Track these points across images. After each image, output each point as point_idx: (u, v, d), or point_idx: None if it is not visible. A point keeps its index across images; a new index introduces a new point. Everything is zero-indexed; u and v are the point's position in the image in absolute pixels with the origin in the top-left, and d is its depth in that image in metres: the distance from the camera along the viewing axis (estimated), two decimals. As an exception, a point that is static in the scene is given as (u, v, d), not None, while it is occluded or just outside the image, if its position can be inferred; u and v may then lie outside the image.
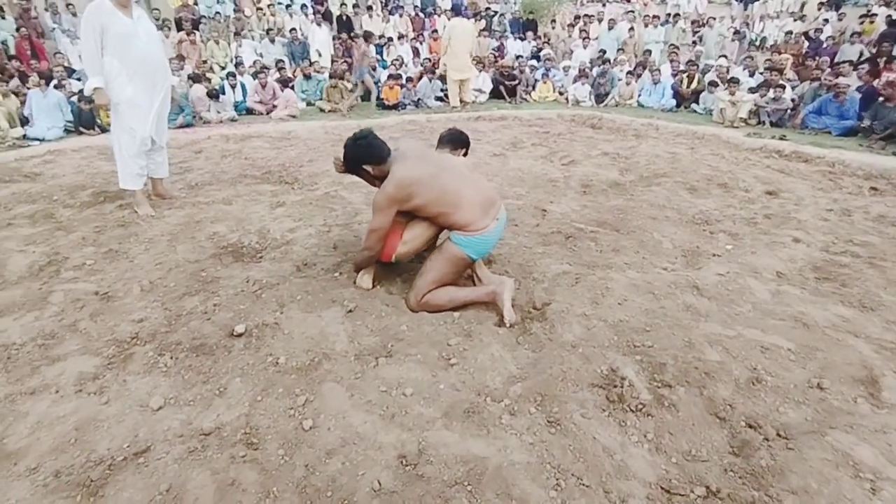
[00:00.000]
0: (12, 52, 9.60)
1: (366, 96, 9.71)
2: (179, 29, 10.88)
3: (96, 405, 1.93)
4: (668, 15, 12.70)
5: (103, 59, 3.52)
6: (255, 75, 8.72)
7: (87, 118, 7.05)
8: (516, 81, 9.82)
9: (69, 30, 10.91)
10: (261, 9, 11.77)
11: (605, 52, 10.42)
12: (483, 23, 12.97)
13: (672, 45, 11.10)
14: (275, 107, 8.49)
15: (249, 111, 8.63)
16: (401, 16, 12.70)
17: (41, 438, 1.77)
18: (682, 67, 9.62)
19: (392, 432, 1.77)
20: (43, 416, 1.88)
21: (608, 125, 7.13)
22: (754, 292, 2.73)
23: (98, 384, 2.05)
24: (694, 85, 9.16)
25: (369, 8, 12.60)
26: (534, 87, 10.11)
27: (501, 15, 13.53)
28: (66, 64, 8.94)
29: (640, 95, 9.39)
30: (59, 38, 10.89)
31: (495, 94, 9.98)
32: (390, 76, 9.12)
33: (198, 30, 10.94)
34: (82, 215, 3.84)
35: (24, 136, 6.43)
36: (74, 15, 11.23)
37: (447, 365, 2.14)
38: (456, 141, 3.11)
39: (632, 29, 11.77)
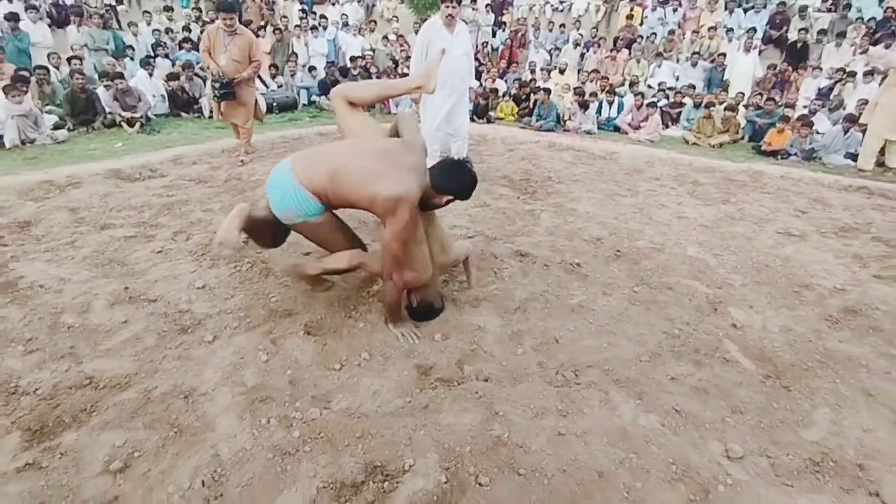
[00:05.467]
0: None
1: (757, 136, 8.15)
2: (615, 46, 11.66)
3: (56, 280, 2.80)
4: None
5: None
6: (636, 95, 8.70)
7: (482, 109, 8.91)
8: None
9: (542, 43, 13.38)
10: (697, 31, 11.21)
11: None
12: None
13: None
14: (639, 128, 8.34)
15: (616, 129, 8.76)
16: (887, 46, 9.60)
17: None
18: None
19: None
20: (40, 265, 2.99)
21: None
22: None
23: (85, 263, 3.00)
24: None
25: (840, 35, 10.01)
26: None
27: None
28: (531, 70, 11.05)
29: None
30: (532, 49, 13.44)
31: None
32: (781, 118, 7.32)
33: (629, 48, 11.49)
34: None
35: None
36: (550, 31, 13.65)
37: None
38: None
39: None
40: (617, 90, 9.37)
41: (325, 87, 9.37)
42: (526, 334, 2.53)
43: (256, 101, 5.62)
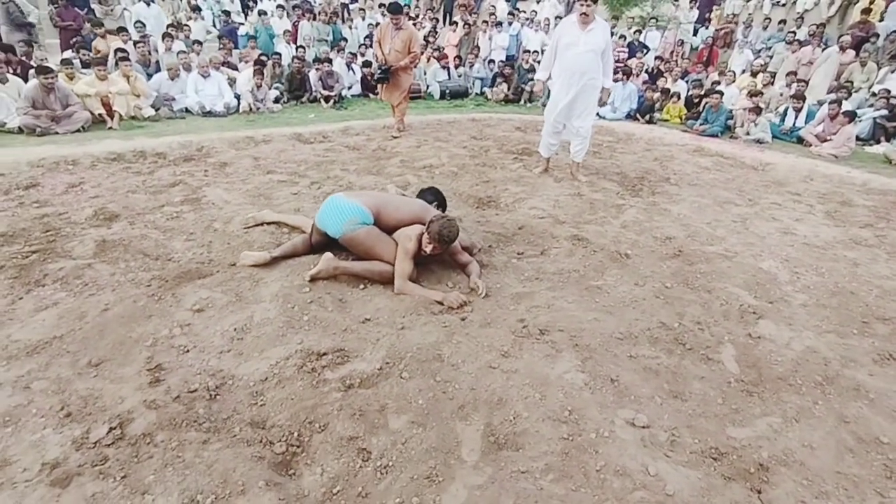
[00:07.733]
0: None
1: None
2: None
3: (223, 201, 3.94)
4: None
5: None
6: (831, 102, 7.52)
7: (646, 108, 8.68)
8: None
9: (749, 42, 12.09)
10: (958, 29, 8.91)
11: None
12: None
13: None
14: (826, 140, 7.24)
15: (800, 139, 7.72)
16: None
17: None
18: None
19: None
20: (219, 191, 4.08)
21: None
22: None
23: (245, 194, 4.03)
24: None
25: None
26: None
27: None
28: (726, 69, 10.28)
29: None
30: (737, 49, 12.21)
31: None
32: None
33: (857, 49, 9.75)
34: (486, 156, 5.76)
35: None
36: (764, 28, 12.22)
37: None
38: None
39: None
40: (804, 96, 8.18)
41: (495, 81, 10.07)
42: (526, 297, 2.86)
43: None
